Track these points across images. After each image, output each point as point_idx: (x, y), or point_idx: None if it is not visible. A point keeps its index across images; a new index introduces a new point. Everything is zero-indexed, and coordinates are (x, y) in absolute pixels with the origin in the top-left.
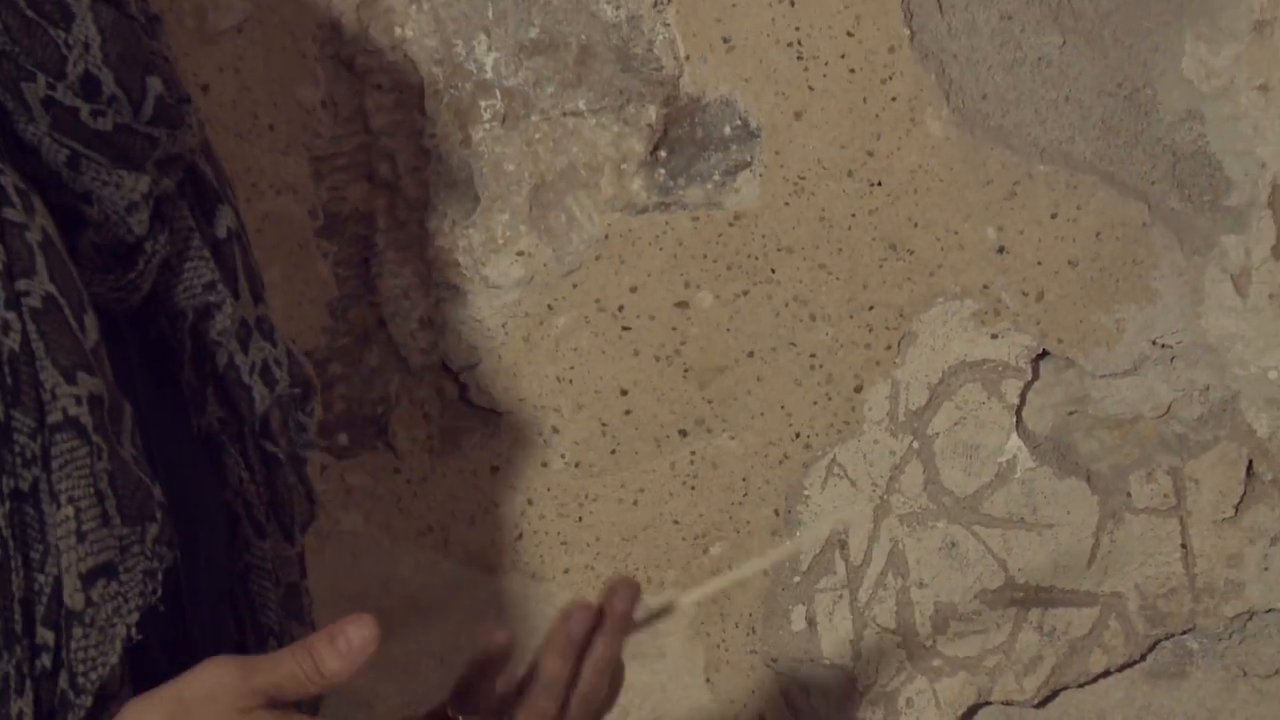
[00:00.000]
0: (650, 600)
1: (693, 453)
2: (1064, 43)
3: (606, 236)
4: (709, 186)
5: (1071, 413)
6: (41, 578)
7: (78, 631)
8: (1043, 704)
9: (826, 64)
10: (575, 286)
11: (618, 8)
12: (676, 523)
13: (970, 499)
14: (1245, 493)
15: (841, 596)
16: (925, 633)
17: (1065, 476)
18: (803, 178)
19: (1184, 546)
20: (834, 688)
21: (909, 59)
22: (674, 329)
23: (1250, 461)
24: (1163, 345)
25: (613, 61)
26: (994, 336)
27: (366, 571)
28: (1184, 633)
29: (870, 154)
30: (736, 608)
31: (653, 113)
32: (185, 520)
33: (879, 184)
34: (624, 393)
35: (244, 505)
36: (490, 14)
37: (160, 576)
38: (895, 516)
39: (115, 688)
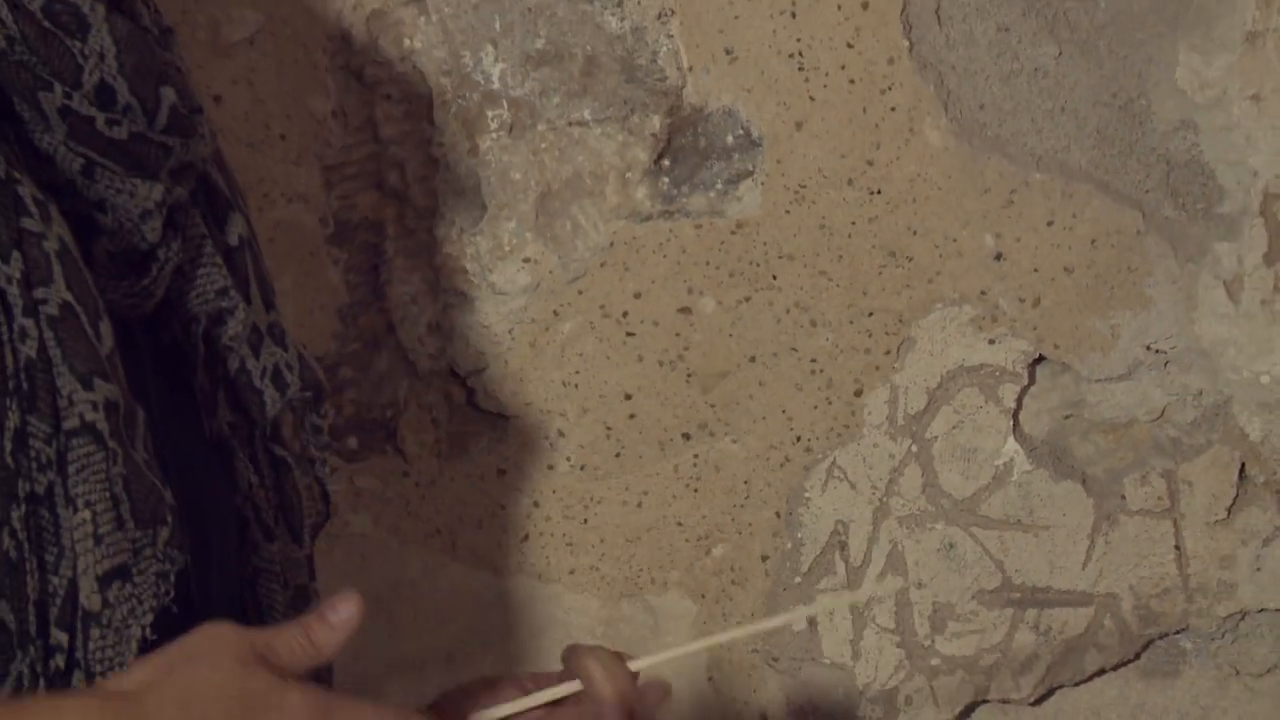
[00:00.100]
0: None
1: (696, 456)
2: (1060, 54)
3: (611, 244)
4: (712, 195)
5: (1067, 417)
6: (56, 580)
7: (95, 633)
8: (1039, 702)
9: (827, 75)
10: (581, 293)
11: (622, 19)
12: (680, 524)
13: (968, 501)
14: (1237, 495)
15: (841, 597)
16: (924, 632)
17: (1061, 479)
18: (804, 186)
19: (1177, 548)
20: (834, 686)
21: (908, 70)
22: (677, 334)
23: (1243, 464)
24: (1157, 350)
25: (617, 72)
26: (991, 342)
27: (375, 573)
28: (1177, 632)
29: (870, 163)
30: (739, 608)
31: (657, 122)
32: (197, 524)
33: (878, 192)
34: (628, 397)
35: (253, 509)
36: (497, 26)
37: (172, 578)
38: (894, 518)
39: None
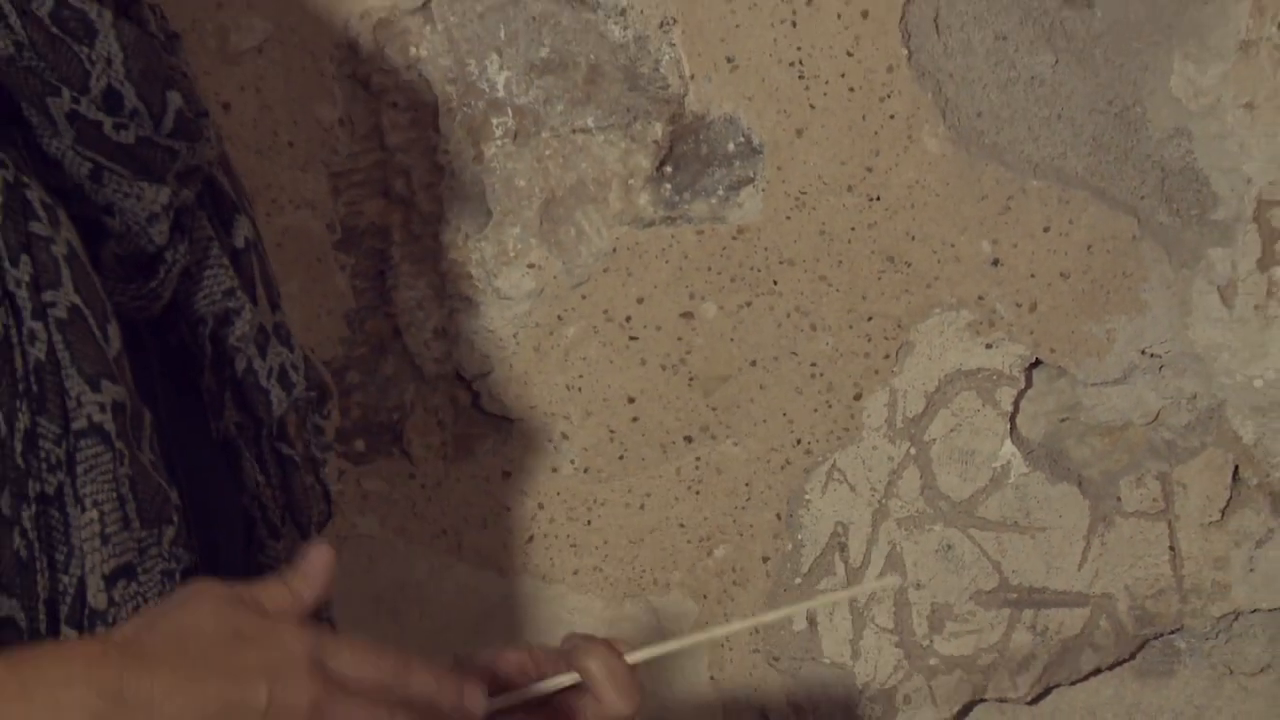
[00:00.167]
0: None
1: (697, 458)
2: (1056, 62)
3: (614, 250)
4: (713, 201)
5: (1063, 420)
6: (66, 579)
7: (101, 630)
8: (1035, 701)
9: (827, 83)
10: (584, 298)
11: (625, 28)
12: (682, 526)
13: (966, 503)
14: (1231, 497)
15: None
16: (922, 632)
17: (1057, 481)
18: (804, 193)
19: (1172, 549)
20: (834, 685)
21: (906, 78)
22: (679, 339)
23: (1236, 467)
24: (1152, 355)
25: (620, 80)
26: (989, 346)
27: (382, 574)
28: (1172, 632)
29: (869, 170)
30: (740, 607)
31: (659, 130)
32: (204, 523)
33: (877, 199)
34: (631, 400)
35: (259, 508)
36: (502, 34)
37: (178, 577)
38: (893, 520)
39: None
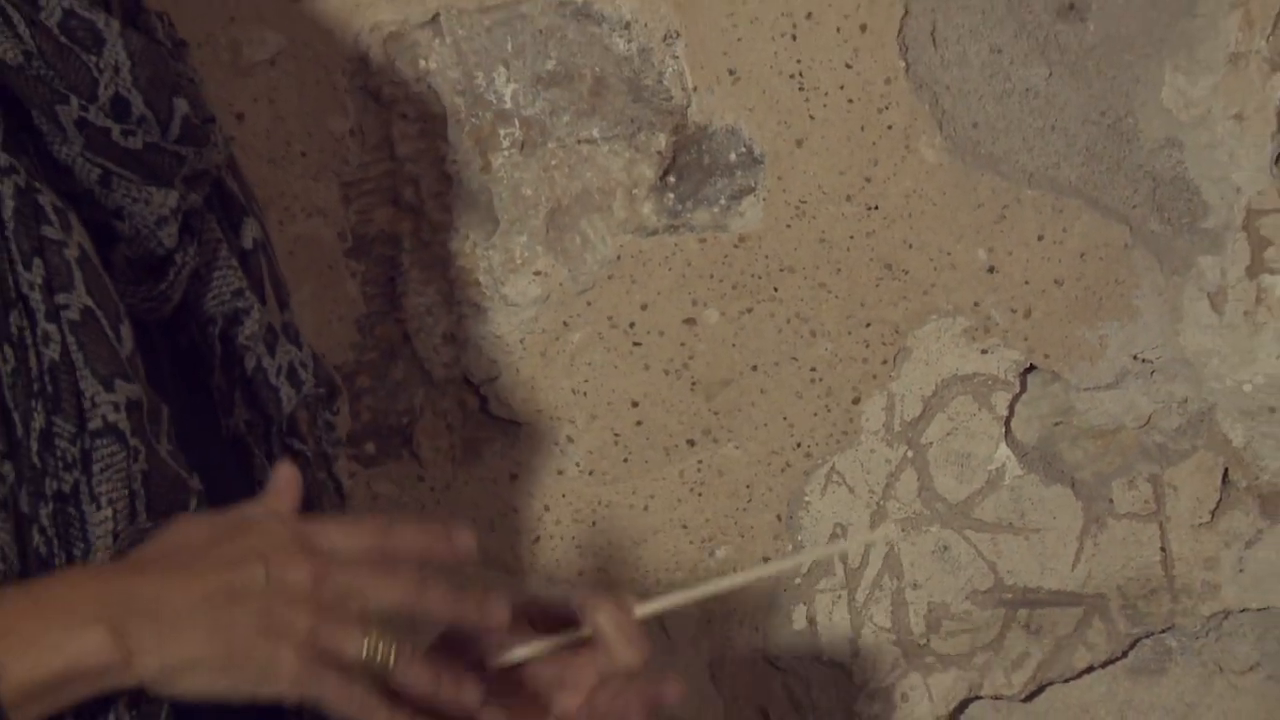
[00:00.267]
0: None
1: (700, 461)
2: (1050, 74)
3: (619, 257)
4: (715, 210)
5: (1057, 423)
6: None
7: None
8: (1030, 698)
9: (826, 94)
10: (589, 304)
11: (629, 41)
12: (684, 527)
13: (962, 505)
14: (1221, 499)
15: (840, 597)
16: (919, 631)
17: (1051, 484)
18: (804, 202)
19: (1163, 550)
20: (833, 684)
21: (904, 90)
22: (682, 344)
23: (1226, 469)
24: (1143, 360)
25: (625, 92)
26: (984, 352)
27: None
28: (1163, 631)
29: (868, 179)
30: (741, 607)
31: (662, 141)
32: None
33: (876, 208)
34: (635, 404)
35: None
36: (509, 47)
37: None
38: (891, 521)
39: None
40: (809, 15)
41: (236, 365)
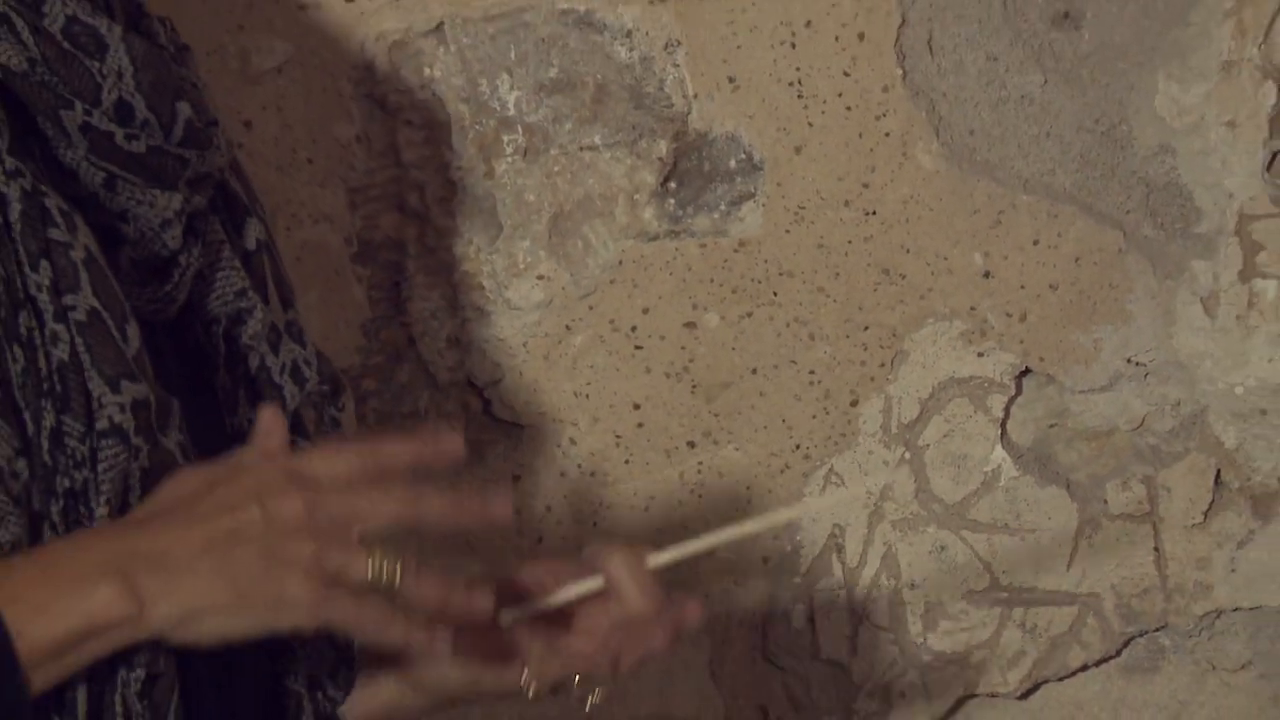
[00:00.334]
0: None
1: (700, 463)
2: (1045, 82)
3: (620, 262)
4: (715, 216)
5: (1052, 426)
6: None
7: None
8: (1025, 696)
9: (825, 102)
10: (591, 308)
11: (631, 50)
12: (685, 528)
13: (958, 506)
14: (1214, 500)
15: (839, 596)
16: (916, 630)
17: (1046, 485)
18: (803, 207)
19: (1157, 550)
20: (832, 682)
21: (901, 97)
22: (683, 348)
23: (1218, 471)
24: (1137, 363)
25: (626, 100)
26: (980, 355)
27: None
28: (1157, 630)
29: (865, 185)
30: (741, 607)
31: (663, 147)
32: None
33: (873, 213)
34: (636, 407)
35: None
36: (512, 55)
37: None
38: (888, 522)
39: (157, 668)
40: (808, 24)
41: (241, 364)
